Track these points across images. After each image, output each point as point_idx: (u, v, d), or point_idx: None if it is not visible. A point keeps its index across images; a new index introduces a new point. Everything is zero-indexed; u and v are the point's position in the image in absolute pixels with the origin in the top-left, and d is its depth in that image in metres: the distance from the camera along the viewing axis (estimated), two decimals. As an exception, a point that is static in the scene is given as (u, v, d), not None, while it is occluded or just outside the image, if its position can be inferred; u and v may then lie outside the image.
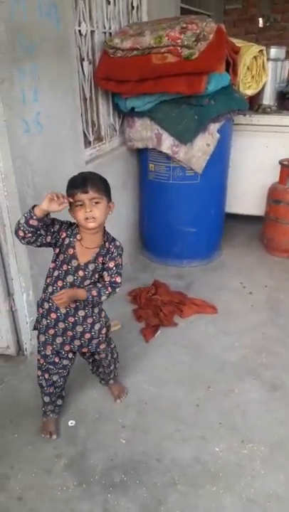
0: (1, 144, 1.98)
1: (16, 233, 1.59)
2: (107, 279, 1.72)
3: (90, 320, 1.81)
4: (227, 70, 2.97)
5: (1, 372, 2.35)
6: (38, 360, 1.89)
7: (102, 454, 1.87)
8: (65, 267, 1.70)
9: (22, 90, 2.03)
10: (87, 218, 1.57)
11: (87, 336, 1.83)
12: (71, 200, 1.58)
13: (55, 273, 1.73)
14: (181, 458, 1.84)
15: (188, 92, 2.68)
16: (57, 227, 1.67)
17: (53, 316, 1.77)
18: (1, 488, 1.75)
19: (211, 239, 3.49)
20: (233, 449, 1.88)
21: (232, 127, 3.32)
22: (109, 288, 1.71)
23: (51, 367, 1.87)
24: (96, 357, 2.00)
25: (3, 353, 2.44)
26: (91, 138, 2.83)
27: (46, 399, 1.95)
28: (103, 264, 1.71)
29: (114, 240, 1.76)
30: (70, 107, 2.46)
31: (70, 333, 1.80)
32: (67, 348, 1.84)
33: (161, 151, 3.00)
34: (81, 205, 1.57)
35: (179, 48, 2.60)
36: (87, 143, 2.79)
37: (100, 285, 1.71)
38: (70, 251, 1.68)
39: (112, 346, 2.04)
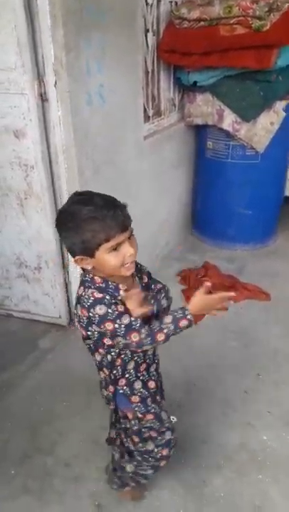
0: (64, 115, 1.97)
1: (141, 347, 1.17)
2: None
3: None
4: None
5: (52, 340, 2.42)
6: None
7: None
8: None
9: (87, 61, 2.00)
10: (125, 262, 1.12)
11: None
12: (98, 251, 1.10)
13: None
14: (227, 443, 1.82)
15: (257, 66, 2.54)
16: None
17: (152, 385, 1.37)
18: (49, 452, 1.81)
19: (267, 223, 3.37)
20: (281, 438, 1.84)
21: (298, 106, 3.13)
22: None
23: None
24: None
25: (55, 322, 2.50)
26: (150, 113, 2.77)
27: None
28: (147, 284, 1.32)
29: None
30: (133, 81, 2.40)
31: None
32: None
33: (221, 128, 2.89)
34: (115, 249, 1.10)
35: (249, 19, 2.45)
36: (146, 118, 2.73)
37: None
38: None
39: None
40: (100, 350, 1.25)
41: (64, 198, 2.15)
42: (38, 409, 2.01)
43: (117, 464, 1.52)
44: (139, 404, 1.32)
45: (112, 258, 1.09)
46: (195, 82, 2.84)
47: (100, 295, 1.11)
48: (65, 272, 2.35)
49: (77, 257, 1.12)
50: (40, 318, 2.53)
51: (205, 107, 2.92)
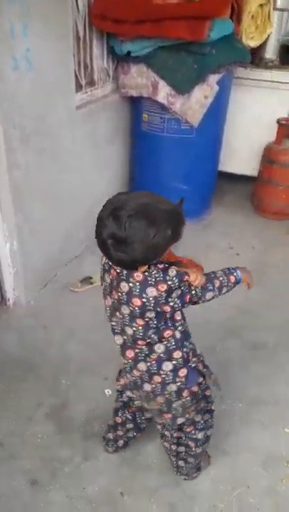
0: (-13, 80, 1.84)
1: None
2: None
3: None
4: (231, 17, 2.79)
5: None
6: None
7: (83, 405, 1.89)
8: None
9: (10, 22, 1.87)
10: None
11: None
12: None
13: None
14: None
15: (190, 37, 2.51)
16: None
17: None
18: (-18, 433, 1.77)
19: (202, 197, 3.42)
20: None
21: (232, 80, 3.17)
22: None
23: None
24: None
25: (-15, 301, 2.40)
26: (83, 81, 2.67)
27: None
28: None
29: None
30: (62, 46, 2.29)
31: None
32: None
33: (156, 101, 2.85)
34: None
35: (182, -12, 2.41)
36: (79, 86, 2.63)
37: None
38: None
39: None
40: (167, 332, 1.23)
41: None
42: None
43: (192, 453, 1.52)
44: (203, 369, 1.38)
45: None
46: (128, 53, 2.77)
47: (162, 265, 1.16)
48: (-5, 248, 2.25)
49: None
50: None
51: (139, 79, 2.86)
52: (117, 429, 1.61)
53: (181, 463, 1.56)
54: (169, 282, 1.13)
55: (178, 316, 1.25)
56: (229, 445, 1.77)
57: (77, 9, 2.48)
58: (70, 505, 1.55)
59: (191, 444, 1.50)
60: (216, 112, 3.03)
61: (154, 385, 1.30)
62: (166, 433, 1.50)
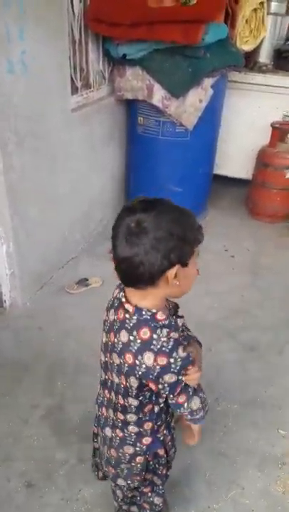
0: (-18, 83, 1.85)
1: None
2: None
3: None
4: (225, 21, 2.82)
5: (-22, 322, 2.33)
6: None
7: (79, 406, 1.89)
8: None
9: (6, 25, 1.88)
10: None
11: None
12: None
13: None
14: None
15: (184, 41, 2.54)
16: None
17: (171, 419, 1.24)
18: (-23, 435, 1.76)
19: (197, 200, 3.44)
20: (207, 405, 1.93)
21: (226, 84, 3.19)
22: None
23: None
24: None
25: (-20, 303, 2.40)
26: (78, 84, 2.68)
27: None
28: None
29: None
30: (58, 49, 2.30)
31: None
32: None
33: (151, 104, 2.87)
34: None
35: (177, -8, 2.44)
36: (74, 89, 2.64)
37: None
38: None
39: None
40: (148, 407, 1.05)
41: (-14, 172, 2.04)
42: None
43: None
44: (169, 443, 1.22)
45: (193, 268, 0.93)
46: (124, 55, 2.78)
47: (177, 335, 0.94)
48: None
49: (173, 270, 0.89)
50: None
51: (135, 81, 2.88)
52: (96, 456, 1.39)
53: None
54: (171, 360, 0.92)
55: (164, 394, 1.02)
56: (224, 447, 1.77)
57: (73, 12, 2.49)
58: (66, 508, 1.55)
59: (146, 506, 1.34)
60: (211, 116, 3.05)
61: (114, 435, 1.14)
62: (118, 492, 1.30)
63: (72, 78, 2.56)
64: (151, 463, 1.20)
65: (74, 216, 2.78)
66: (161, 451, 1.19)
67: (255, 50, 3.52)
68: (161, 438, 1.17)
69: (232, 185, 3.95)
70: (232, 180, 3.91)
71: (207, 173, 3.42)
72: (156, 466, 1.23)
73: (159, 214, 0.88)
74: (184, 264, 0.90)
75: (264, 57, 3.60)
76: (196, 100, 2.82)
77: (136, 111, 3.07)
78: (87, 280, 2.63)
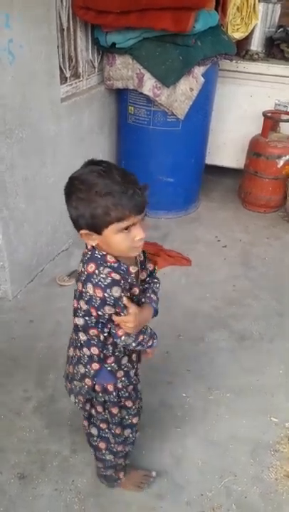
0: None
1: None
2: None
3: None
4: (216, 9, 2.78)
5: None
6: None
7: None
8: None
9: (-8, 12, 1.84)
10: (134, 246, 1.06)
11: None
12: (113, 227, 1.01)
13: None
14: (148, 402, 1.88)
15: (174, 29, 2.50)
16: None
17: (135, 357, 1.34)
18: None
19: (189, 190, 3.43)
20: (199, 394, 1.94)
21: (217, 72, 3.16)
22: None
23: None
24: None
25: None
26: (68, 73, 2.64)
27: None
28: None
29: None
30: (46, 38, 2.26)
31: None
32: None
33: (142, 93, 2.84)
34: (126, 228, 1.02)
35: (166, -22, 2.39)
36: (63, 79, 2.60)
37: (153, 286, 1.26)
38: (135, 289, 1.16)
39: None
40: (92, 330, 1.15)
41: (-26, 163, 2.01)
42: None
43: (98, 457, 1.48)
44: (123, 378, 1.28)
45: (121, 239, 1.02)
46: (113, 44, 2.75)
47: (118, 276, 1.06)
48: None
49: (83, 231, 1.04)
50: None
51: (125, 70, 2.85)
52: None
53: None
54: (106, 295, 1.04)
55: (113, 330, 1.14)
56: (217, 434, 1.78)
57: (61, 0, 2.44)
58: (59, 498, 1.55)
59: (101, 445, 1.42)
60: (202, 105, 3.03)
61: (74, 354, 1.27)
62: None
63: (60, 67, 2.52)
64: (100, 395, 1.28)
65: (64, 207, 2.75)
66: (110, 387, 1.27)
67: (247, 38, 3.48)
68: (109, 369, 1.24)
69: (224, 175, 3.94)
70: (224, 170, 3.90)
71: (199, 163, 3.40)
72: (107, 403, 1.31)
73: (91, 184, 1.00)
74: (98, 233, 1.03)
75: (256, 45, 3.57)
76: (187, 89, 2.80)
77: (126, 100, 3.04)
78: (79, 272, 2.62)
